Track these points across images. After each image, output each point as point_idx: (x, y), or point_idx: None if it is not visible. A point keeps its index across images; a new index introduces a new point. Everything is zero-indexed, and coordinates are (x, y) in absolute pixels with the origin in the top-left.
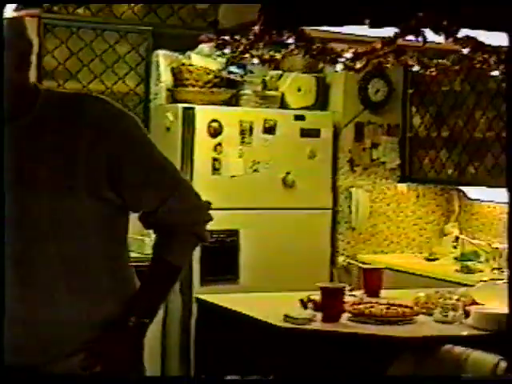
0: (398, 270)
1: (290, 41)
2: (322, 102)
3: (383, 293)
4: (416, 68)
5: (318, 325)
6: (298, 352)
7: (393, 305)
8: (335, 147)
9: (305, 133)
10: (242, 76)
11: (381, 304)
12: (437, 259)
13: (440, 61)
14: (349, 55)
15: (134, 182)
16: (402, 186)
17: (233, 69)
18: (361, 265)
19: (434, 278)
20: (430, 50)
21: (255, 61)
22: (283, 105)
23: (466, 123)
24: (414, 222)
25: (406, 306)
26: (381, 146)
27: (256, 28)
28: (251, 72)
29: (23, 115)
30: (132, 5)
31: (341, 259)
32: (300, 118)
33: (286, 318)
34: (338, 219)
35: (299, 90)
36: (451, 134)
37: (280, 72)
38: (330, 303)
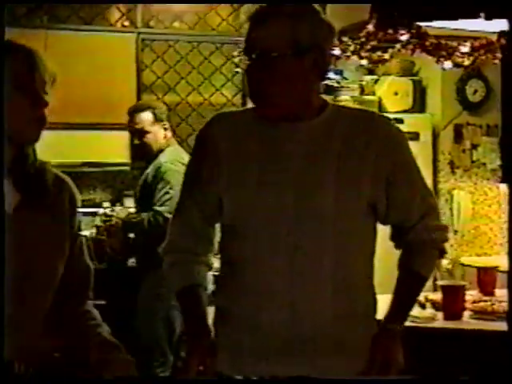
0: (504, 272)
1: (404, 38)
2: (419, 104)
3: (498, 292)
4: None
5: (440, 323)
6: (423, 351)
7: None
8: (435, 150)
9: None
10: (338, 82)
11: (500, 301)
12: None
13: None
14: (465, 49)
15: (405, 195)
16: (504, 187)
17: (330, 75)
18: (477, 263)
19: None
20: None
21: (364, 62)
22: (381, 109)
23: None
24: None
25: None
26: (480, 146)
27: (370, 27)
28: (346, 78)
29: (310, 118)
30: (226, 16)
31: (444, 262)
32: (399, 122)
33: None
34: None
35: (396, 93)
36: None
37: (376, 77)
38: (452, 301)
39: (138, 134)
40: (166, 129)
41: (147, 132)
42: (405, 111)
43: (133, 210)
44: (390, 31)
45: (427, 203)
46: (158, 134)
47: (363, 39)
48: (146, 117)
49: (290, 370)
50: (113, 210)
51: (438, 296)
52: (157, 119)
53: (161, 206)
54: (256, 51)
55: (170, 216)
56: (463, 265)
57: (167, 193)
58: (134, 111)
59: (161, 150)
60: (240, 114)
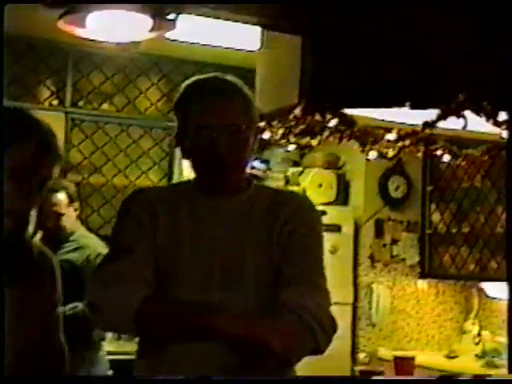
0: (420, 366)
1: (332, 124)
2: (342, 197)
3: None
4: (446, 158)
5: None
6: None
7: None
8: (356, 243)
9: (326, 228)
10: (264, 171)
11: None
12: (456, 357)
13: (470, 151)
14: (391, 137)
15: (296, 261)
16: (422, 283)
17: (256, 164)
18: (395, 353)
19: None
20: (460, 140)
21: (292, 147)
22: None
23: (487, 219)
24: (434, 319)
25: None
26: (401, 242)
27: (297, 111)
28: (270, 169)
29: (238, 192)
30: (155, 101)
31: (361, 355)
32: (321, 214)
33: None
34: (358, 315)
35: (320, 185)
36: (472, 230)
37: (301, 168)
38: None
39: (52, 217)
40: (76, 210)
41: (62, 214)
42: (328, 203)
43: None
44: (318, 116)
45: (308, 281)
46: (72, 217)
47: (292, 123)
48: (62, 197)
49: None
50: None
51: None
52: (71, 200)
53: None
54: (223, 123)
55: None
56: (380, 359)
57: None
58: (48, 191)
59: (71, 233)
60: (165, 188)
